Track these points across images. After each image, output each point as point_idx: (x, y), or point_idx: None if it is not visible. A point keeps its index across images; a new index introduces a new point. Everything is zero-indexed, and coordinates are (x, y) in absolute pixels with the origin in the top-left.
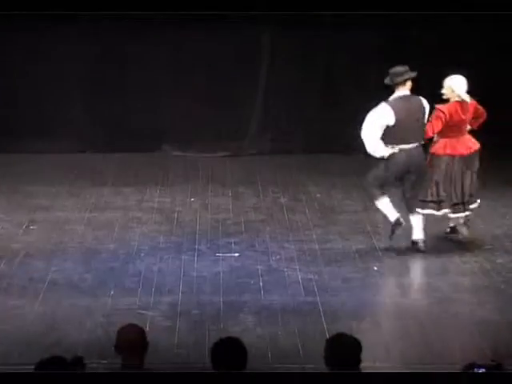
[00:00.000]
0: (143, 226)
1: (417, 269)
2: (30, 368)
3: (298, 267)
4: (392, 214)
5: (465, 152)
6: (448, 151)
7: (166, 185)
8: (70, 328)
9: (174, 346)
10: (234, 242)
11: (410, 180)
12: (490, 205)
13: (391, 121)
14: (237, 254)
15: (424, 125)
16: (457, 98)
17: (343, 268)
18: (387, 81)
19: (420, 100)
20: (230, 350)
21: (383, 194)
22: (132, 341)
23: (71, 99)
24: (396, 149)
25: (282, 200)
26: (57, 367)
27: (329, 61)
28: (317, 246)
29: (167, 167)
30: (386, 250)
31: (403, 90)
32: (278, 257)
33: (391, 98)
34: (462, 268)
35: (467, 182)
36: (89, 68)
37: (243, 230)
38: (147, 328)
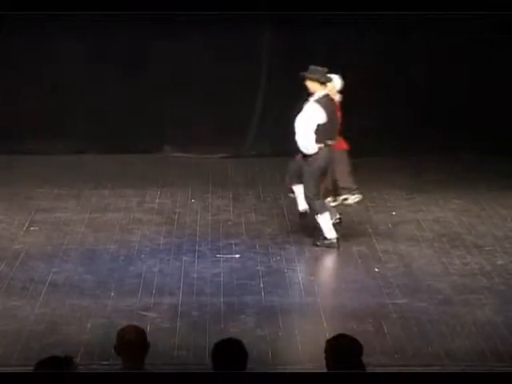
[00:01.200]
0: (144, 227)
1: (417, 270)
2: (30, 369)
3: (298, 268)
4: (301, 204)
5: (345, 147)
6: (337, 146)
7: (166, 186)
8: (70, 329)
9: (174, 347)
10: (235, 244)
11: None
12: (490, 207)
13: (322, 119)
14: (237, 256)
15: (339, 121)
16: (336, 97)
17: (344, 269)
18: (323, 79)
19: (333, 98)
20: (230, 351)
21: (300, 182)
22: (132, 341)
23: (72, 100)
24: (324, 145)
25: (282, 201)
26: (55, 367)
27: (328, 62)
28: (317, 248)
29: (168, 169)
30: (386, 251)
31: (324, 90)
32: (278, 258)
33: (317, 97)
34: (463, 269)
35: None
36: (88, 69)
37: (244, 231)
38: (148, 329)
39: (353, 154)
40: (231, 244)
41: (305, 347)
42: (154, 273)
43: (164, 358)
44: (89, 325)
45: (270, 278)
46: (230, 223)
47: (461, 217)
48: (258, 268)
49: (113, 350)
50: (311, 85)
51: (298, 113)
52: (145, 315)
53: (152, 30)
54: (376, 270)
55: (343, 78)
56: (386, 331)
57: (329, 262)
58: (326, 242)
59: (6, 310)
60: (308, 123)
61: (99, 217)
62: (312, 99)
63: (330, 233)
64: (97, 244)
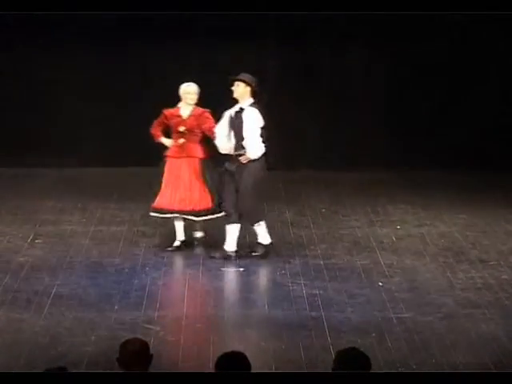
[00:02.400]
0: (148, 240)
1: (422, 284)
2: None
3: (302, 282)
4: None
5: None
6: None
7: None
8: (74, 341)
9: (178, 359)
10: (239, 257)
11: None
12: (495, 222)
13: (262, 123)
14: (241, 269)
15: None
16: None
17: (348, 283)
18: (258, 89)
19: None
20: (234, 365)
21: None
22: (135, 354)
23: (77, 114)
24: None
25: (287, 215)
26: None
27: (333, 77)
28: (321, 261)
29: None
30: (390, 266)
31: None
32: (282, 272)
33: (252, 103)
34: (468, 283)
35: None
36: (94, 82)
37: (248, 244)
38: (151, 342)
39: (358, 166)
40: (235, 258)
41: (308, 361)
42: (158, 286)
43: (168, 370)
44: (93, 337)
45: (274, 291)
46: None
47: (465, 231)
48: (262, 281)
49: (116, 363)
50: (244, 90)
51: (231, 119)
52: (149, 328)
53: (162, 38)
54: (380, 284)
55: None
56: (390, 345)
57: (333, 275)
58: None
59: (10, 322)
60: (255, 128)
61: (104, 229)
62: (245, 105)
63: (266, 238)
64: (101, 257)
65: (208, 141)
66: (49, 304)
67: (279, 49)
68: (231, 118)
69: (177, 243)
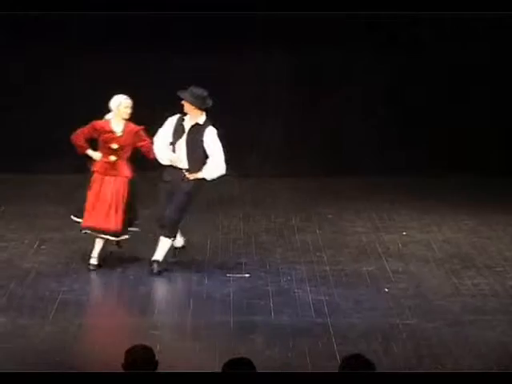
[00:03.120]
0: (153, 245)
1: (428, 290)
2: None
3: (308, 288)
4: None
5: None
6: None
7: None
8: (79, 348)
9: (183, 366)
10: (245, 263)
11: None
12: (501, 228)
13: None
14: (247, 275)
15: None
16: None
17: (354, 289)
18: (203, 106)
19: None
20: (240, 370)
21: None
22: (140, 360)
23: (81, 120)
24: None
25: (293, 221)
26: None
27: (335, 84)
28: (327, 268)
29: None
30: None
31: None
32: (288, 278)
33: (204, 119)
34: (474, 290)
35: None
36: (99, 88)
37: (254, 251)
38: (157, 348)
39: (363, 172)
40: (241, 263)
41: (315, 367)
42: (163, 292)
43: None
44: (98, 344)
45: (280, 297)
46: (239, 242)
47: (471, 237)
48: (268, 288)
49: (121, 369)
50: (191, 108)
51: (179, 131)
52: (154, 334)
53: (164, 49)
54: (386, 290)
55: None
56: (395, 351)
57: (339, 282)
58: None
59: (15, 329)
60: (220, 149)
61: None
62: (201, 120)
63: (164, 255)
64: (106, 263)
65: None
66: (54, 310)
67: (285, 53)
68: (180, 129)
69: (93, 261)
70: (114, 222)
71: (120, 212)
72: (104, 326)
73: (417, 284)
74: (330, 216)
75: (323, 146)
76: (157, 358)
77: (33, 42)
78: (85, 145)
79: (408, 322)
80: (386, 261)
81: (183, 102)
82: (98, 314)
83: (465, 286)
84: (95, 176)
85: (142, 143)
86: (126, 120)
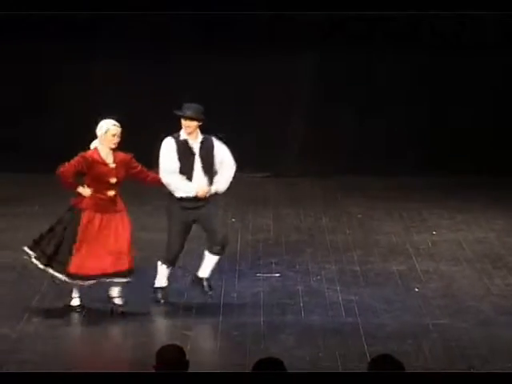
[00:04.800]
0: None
1: (458, 290)
2: None
3: (338, 288)
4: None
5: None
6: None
7: None
8: (110, 349)
9: (214, 366)
10: (275, 263)
11: None
12: None
13: None
14: (277, 275)
15: None
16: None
17: (384, 289)
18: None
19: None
20: (270, 370)
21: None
22: (172, 361)
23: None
24: None
25: (323, 221)
26: None
27: (364, 83)
28: (357, 267)
29: None
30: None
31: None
32: (318, 277)
33: (207, 135)
34: (505, 290)
35: None
36: (115, 86)
37: (284, 250)
38: (188, 348)
39: (393, 172)
40: (271, 263)
41: (345, 367)
42: (193, 292)
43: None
44: (129, 344)
45: (310, 297)
46: (270, 242)
47: (503, 237)
48: (298, 287)
49: (153, 370)
50: (195, 125)
51: (187, 153)
52: (185, 334)
53: (183, 47)
54: (416, 289)
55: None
56: (426, 352)
57: (369, 281)
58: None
59: (46, 330)
60: (233, 160)
61: (135, 234)
62: (201, 136)
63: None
64: (136, 263)
65: None
66: (85, 312)
67: (313, 54)
68: (187, 151)
69: (75, 302)
70: (127, 260)
71: (130, 248)
72: (135, 327)
73: (447, 284)
74: (359, 215)
75: (353, 145)
76: (188, 357)
77: (60, 41)
78: (74, 181)
79: (438, 322)
80: (417, 260)
81: (185, 120)
82: (129, 314)
83: (496, 286)
84: (87, 214)
85: (143, 173)
86: (113, 149)
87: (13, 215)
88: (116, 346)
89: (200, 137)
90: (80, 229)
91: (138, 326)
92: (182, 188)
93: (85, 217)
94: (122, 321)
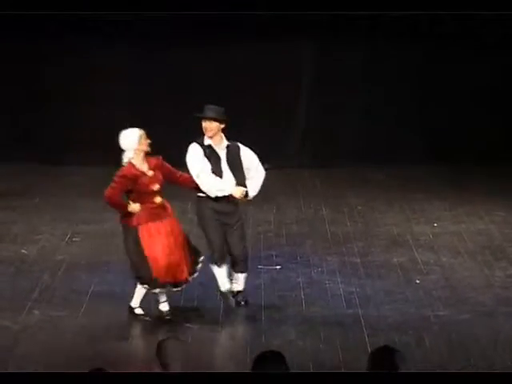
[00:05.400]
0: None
1: (459, 281)
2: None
3: (339, 280)
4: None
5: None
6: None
7: None
8: (111, 340)
9: (215, 358)
10: (276, 255)
11: None
12: None
13: None
14: (278, 267)
15: None
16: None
17: (385, 281)
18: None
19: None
20: (271, 364)
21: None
22: (173, 352)
23: (116, 112)
24: None
25: (324, 212)
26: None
27: (369, 75)
28: (358, 259)
29: None
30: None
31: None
32: (319, 269)
33: (230, 140)
34: (506, 281)
35: None
36: (130, 80)
37: (285, 242)
38: (189, 340)
39: (394, 163)
40: (272, 255)
41: (346, 359)
42: (195, 284)
43: (204, 369)
44: (130, 336)
45: (311, 289)
46: (271, 234)
47: (504, 229)
48: (299, 279)
49: (154, 361)
50: (218, 127)
51: (216, 159)
52: (186, 326)
53: (192, 41)
54: (417, 281)
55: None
56: (427, 344)
57: (370, 273)
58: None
59: (47, 321)
60: (261, 166)
61: None
62: (226, 141)
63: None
64: None
65: None
66: (86, 302)
67: (314, 49)
68: (213, 156)
69: (165, 307)
70: (186, 269)
71: (188, 256)
72: (136, 319)
73: (448, 275)
74: (360, 207)
75: (353, 137)
76: (189, 350)
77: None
78: (123, 202)
79: (439, 313)
80: (418, 252)
81: (205, 122)
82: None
83: (497, 277)
84: (142, 229)
85: (175, 173)
86: (145, 154)
87: (13, 208)
88: (116, 337)
89: (225, 142)
90: (144, 244)
91: (139, 318)
92: (217, 186)
93: (142, 231)
94: (125, 312)
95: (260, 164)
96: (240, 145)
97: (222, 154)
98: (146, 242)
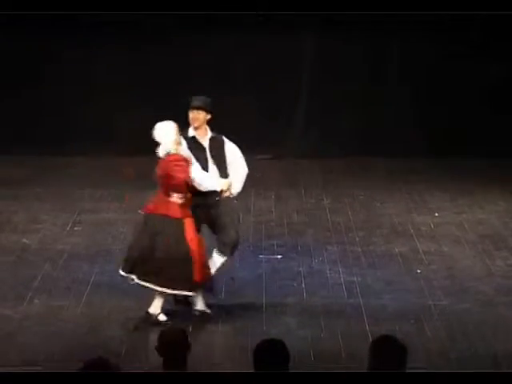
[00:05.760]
0: None
1: (460, 271)
2: (74, 369)
3: (340, 269)
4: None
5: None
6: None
7: None
8: (113, 330)
9: (216, 347)
10: (277, 244)
11: None
12: None
13: None
14: (279, 256)
15: None
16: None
17: (386, 270)
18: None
19: None
20: (272, 352)
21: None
22: (174, 343)
23: (117, 103)
24: None
25: (325, 202)
26: (101, 369)
27: (371, 64)
28: (359, 248)
29: None
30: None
31: None
32: (320, 259)
33: (214, 132)
34: (507, 271)
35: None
36: (135, 72)
37: (286, 232)
38: (190, 330)
39: (396, 153)
40: (273, 245)
41: (347, 348)
42: None
43: (206, 358)
44: (131, 326)
45: (312, 278)
46: (272, 224)
47: (504, 218)
48: (300, 269)
49: (155, 351)
50: (205, 118)
51: (199, 151)
52: (186, 316)
53: (194, 31)
54: (418, 271)
55: None
56: (428, 333)
57: (370, 262)
58: None
59: (48, 310)
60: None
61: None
62: (211, 134)
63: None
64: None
65: None
66: (87, 292)
67: (316, 38)
68: (197, 148)
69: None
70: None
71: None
72: (138, 308)
73: (449, 265)
74: (361, 197)
75: (355, 126)
76: (190, 339)
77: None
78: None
79: (440, 303)
80: (418, 242)
81: (192, 112)
82: (133, 295)
83: (497, 266)
84: (188, 221)
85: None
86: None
87: (14, 197)
88: (117, 327)
89: (209, 134)
90: (189, 238)
91: (142, 307)
92: (207, 182)
93: (188, 224)
94: (126, 302)
95: (243, 160)
96: (224, 138)
97: (206, 145)
98: (192, 237)
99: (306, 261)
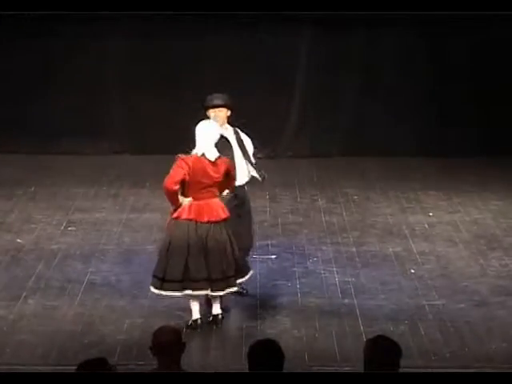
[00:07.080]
0: None
1: (454, 271)
2: (69, 369)
3: (335, 269)
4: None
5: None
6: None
7: None
8: (107, 329)
9: (210, 347)
10: (271, 244)
11: None
12: None
13: None
14: (274, 256)
15: None
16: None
17: (380, 270)
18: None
19: None
20: (267, 352)
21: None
22: (168, 342)
23: (111, 100)
24: None
25: (320, 202)
26: (97, 369)
27: (367, 62)
28: (354, 249)
29: None
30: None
31: None
32: (315, 259)
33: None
34: (501, 271)
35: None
36: (128, 68)
37: (280, 232)
38: (184, 329)
39: (390, 153)
40: (268, 245)
41: (341, 348)
42: None
43: (200, 358)
44: (125, 325)
45: (307, 279)
46: (266, 224)
47: (499, 218)
48: (295, 269)
49: (149, 351)
50: (225, 114)
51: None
52: (181, 316)
53: (191, 31)
54: (412, 271)
55: None
56: (422, 333)
57: (365, 263)
58: None
59: (43, 310)
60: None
61: (137, 217)
62: (231, 127)
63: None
64: (134, 244)
65: None
66: (82, 292)
67: (313, 35)
68: (228, 145)
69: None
70: None
71: None
72: (132, 308)
73: (443, 265)
74: (356, 197)
75: (349, 125)
76: (184, 339)
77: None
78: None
79: (434, 303)
80: (413, 242)
81: (218, 111)
82: (127, 295)
83: (492, 267)
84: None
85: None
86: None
87: (8, 197)
88: (111, 327)
89: (230, 128)
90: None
91: (136, 306)
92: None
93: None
94: (120, 301)
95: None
96: (239, 131)
97: (232, 138)
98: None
99: (301, 261)
